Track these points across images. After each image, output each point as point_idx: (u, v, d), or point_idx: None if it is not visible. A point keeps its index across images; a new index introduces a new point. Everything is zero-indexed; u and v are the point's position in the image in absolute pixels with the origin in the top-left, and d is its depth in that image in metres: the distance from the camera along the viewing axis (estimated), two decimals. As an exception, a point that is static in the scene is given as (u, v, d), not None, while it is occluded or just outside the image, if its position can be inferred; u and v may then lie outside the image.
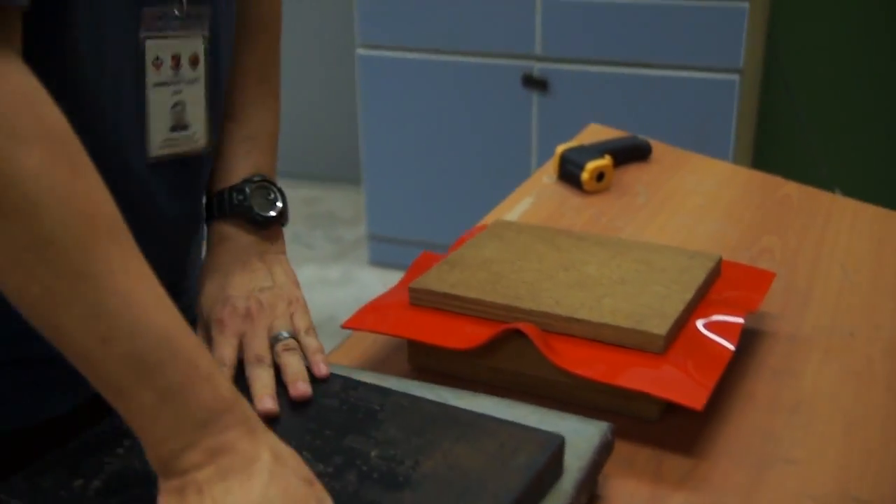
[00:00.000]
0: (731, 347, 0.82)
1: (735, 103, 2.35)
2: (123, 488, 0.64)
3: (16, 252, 0.55)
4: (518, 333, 0.83)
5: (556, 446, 0.67)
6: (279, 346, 0.80)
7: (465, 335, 0.85)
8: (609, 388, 0.81)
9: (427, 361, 0.89)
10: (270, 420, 0.72)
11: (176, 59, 0.77)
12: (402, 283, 0.96)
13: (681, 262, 0.93)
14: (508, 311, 0.85)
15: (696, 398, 0.76)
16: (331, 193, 3.48)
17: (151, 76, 0.75)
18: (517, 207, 1.28)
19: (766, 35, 2.66)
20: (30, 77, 0.58)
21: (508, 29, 2.49)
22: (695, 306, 0.88)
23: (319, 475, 0.63)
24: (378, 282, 2.85)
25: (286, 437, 0.64)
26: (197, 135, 0.81)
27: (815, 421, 0.82)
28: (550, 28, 2.45)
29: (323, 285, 2.87)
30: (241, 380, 0.76)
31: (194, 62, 0.79)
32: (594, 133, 1.56)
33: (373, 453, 0.67)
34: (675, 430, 0.81)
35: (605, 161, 1.34)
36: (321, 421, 0.71)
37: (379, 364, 0.92)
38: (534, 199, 1.31)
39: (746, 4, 2.28)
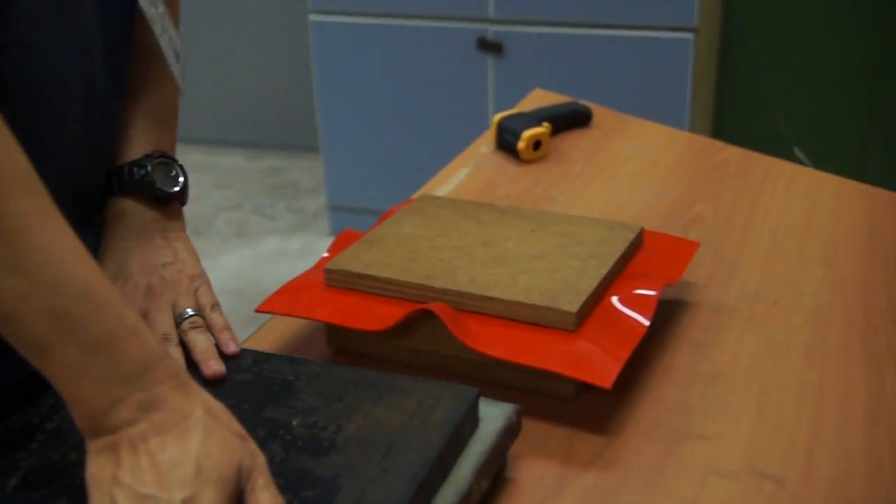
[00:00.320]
0: (646, 322, 0.81)
1: (690, 63, 2.33)
2: (43, 483, 0.63)
3: None
4: (433, 313, 0.82)
5: (471, 399, 0.69)
6: (185, 324, 0.78)
7: (379, 316, 0.84)
8: (523, 367, 0.80)
9: (346, 343, 0.89)
10: None
11: None
12: (321, 262, 0.94)
13: (601, 235, 0.92)
14: (423, 291, 0.84)
15: (605, 376, 0.75)
16: (293, 163, 3.45)
17: None
18: (452, 179, 1.27)
19: (724, -8, 2.64)
20: None
21: (461, -8, 2.46)
22: (612, 280, 0.87)
23: None
24: (339, 251, 2.83)
25: None
26: None
27: (730, 394, 0.82)
28: (503, -10, 2.42)
29: (284, 257, 2.85)
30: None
31: None
32: (538, 99, 1.54)
33: (294, 422, 0.67)
34: (590, 408, 0.80)
35: (543, 129, 1.32)
36: (238, 396, 0.71)
37: (298, 347, 0.90)
38: (470, 169, 1.30)
39: (699, -38, 2.25)
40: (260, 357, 0.76)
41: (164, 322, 0.78)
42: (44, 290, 0.55)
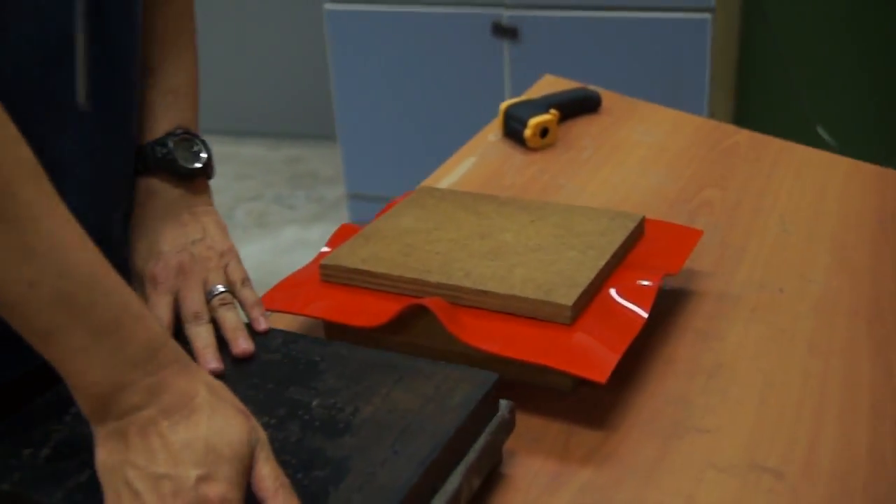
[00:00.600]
0: (644, 314, 0.79)
1: (707, 44, 2.30)
2: (73, 454, 0.65)
3: None
4: (428, 308, 0.81)
5: (490, 385, 0.69)
6: (215, 301, 0.79)
7: (374, 312, 0.83)
8: (519, 361, 0.79)
9: (343, 338, 0.88)
10: (221, 379, 0.69)
11: None
12: (318, 257, 0.94)
13: (601, 225, 0.90)
14: (418, 286, 0.84)
15: (600, 371, 0.74)
16: (312, 152, 3.45)
17: None
18: (458, 168, 1.26)
19: (743, -30, 2.60)
20: None
21: (475, -23, 2.44)
22: (611, 271, 0.85)
23: (264, 426, 0.65)
24: (359, 240, 2.83)
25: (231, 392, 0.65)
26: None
27: (732, 385, 0.80)
28: (518, -26, 2.40)
29: (304, 247, 2.85)
30: (179, 339, 0.76)
31: None
32: (549, 85, 1.53)
33: (314, 403, 0.69)
34: (589, 402, 0.79)
35: (550, 116, 1.31)
36: (263, 375, 0.73)
37: (296, 343, 0.90)
38: (477, 158, 1.29)
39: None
40: (289, 338, 0.77)
41: (196, 299, 0.78)
42: (52, 276, 0.55)
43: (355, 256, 0.87)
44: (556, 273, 0.82)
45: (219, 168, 3.32)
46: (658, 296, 0.81)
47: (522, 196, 1.15)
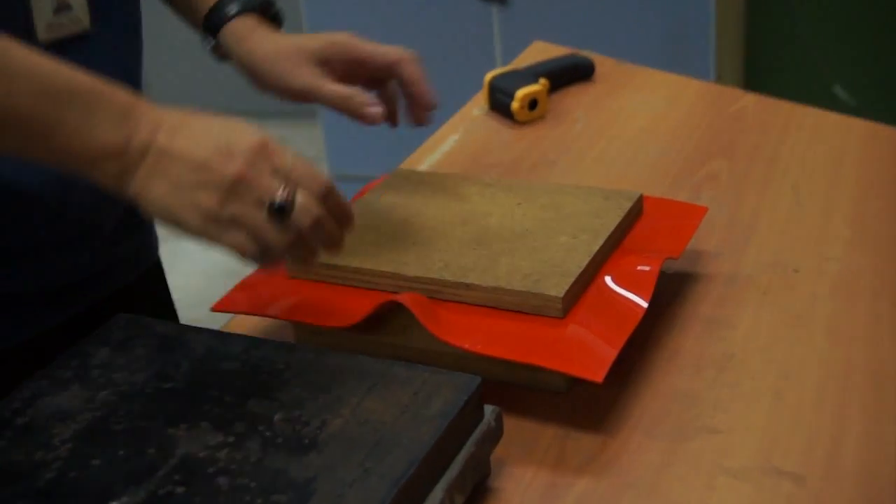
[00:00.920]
0: (643, 304, 0.76)
1: (712, 2, 2.25)
2: (4, 485, 0.62)
3: None
4: (403, 305, 0.78)
5: (472, 389, 0.67)
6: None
7: (346, 311, 0.80)
8: (506, 361, 0.76)
9: (316, 339, 0.85)
10: (173, 392, 0.69)
11: None
12: (285, 252, 0.90)
13: (594, 205, 0.87)
14: (393, 280, 0.81)
15: (597, 368, 0.71)
16: (294, 132, 3.41)
17: None
18: (441, 147, 1.23)
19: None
20: None
21: (459, -62, 2.40)
22: (606, 257, 0.82)
23: (219, 446, 0.63)
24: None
25: (183, 407, 0.67)
26: (80, 14, 0.82)
27: (744, 379, 0.77)
28: (504, -66, 2.35)
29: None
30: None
31: None
32: (539, 52, 1.49)
33: (277, 417, 0.66)
34: (586, 402, 0.76)
35: (539, 87, 1.27)
36: (220, 386, 0.70)
37: (263, 346, 0.86)
38: (460, 135, 1.25)
39: None
40: (251, 343, 0.74)
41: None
42: (31, 84, 0.66)
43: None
44: (545, 261, 0.79)
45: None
46: (659, 282, 0.79)
47: (510, 175, 1.12)
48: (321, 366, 0.71)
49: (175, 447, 0.63)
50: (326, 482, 0.60)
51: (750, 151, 1.13)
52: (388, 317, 0.80)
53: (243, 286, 0.85)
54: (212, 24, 0.93)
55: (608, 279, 0.79)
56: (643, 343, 0.82)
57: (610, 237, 0.82)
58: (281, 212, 0.67)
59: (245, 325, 0.89)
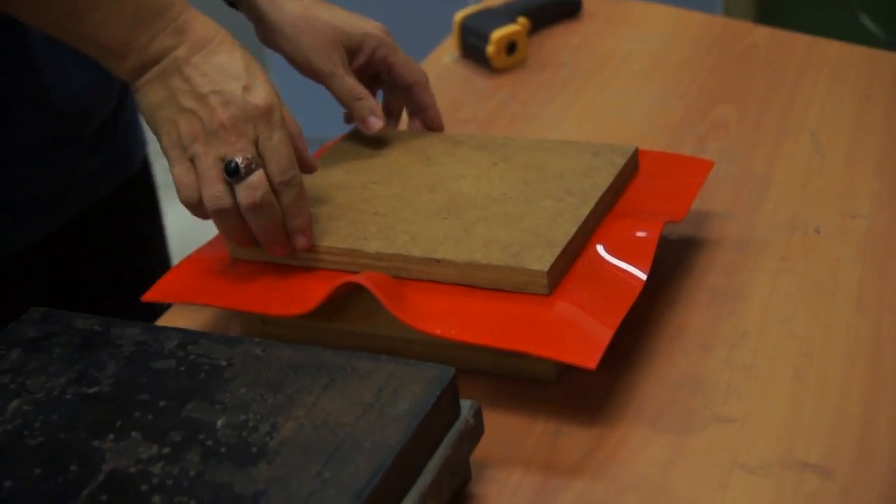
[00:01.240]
0: (642, 276, 0.77)
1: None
2: None
3: None
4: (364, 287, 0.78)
5: (446, 382, 0.67)
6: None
7: (299, 295, 0.80)
8: (485, 347, 0.76)
9: (265, 329, 0.85)
10: (97, 398, 0.69)
11: None
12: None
13: (583, 163, 0.87)
14: (352, 258, 0.81)
15: (589, 353, 0.71)
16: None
17: None
18: (405, 101, 1.22)
19: None
20: None
21: None
22: (598, 222, 0.83)
23: (154, 458, 0.63)
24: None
25: (110, 414, 0.67)
26: None
27: (760, 359, 0.78)
28: None
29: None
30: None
31: None
32: (516, -15, 1.49)
33: (219, 423, 0.66)
34: (579, 392, 0.77)
35: (517, 27, 1.29)
36: (153, 389, 0.70)
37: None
38: (428, 86, 1.25)
39: None
40: (188, 338, 0.74)
41: None
42: None
43: (270, 225, 0.84)
44: (527, 230, 0.79)
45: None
46: (659, 250, 0.80)
47: (486, 131, 1.13)
48: (270, 361, 0.71)
49: (101, 462, 0.63)
50: (278, 496, 0.60)
51: (762, 94, 1.14)
52: (347, 301, 0.80)
53: (179, 271, 0.85)
54: None
55: (600, 248, 0.79)
56: (643, 321, 0.82)
57: (601, 199, 0.83)
58: (230, 175, 0.75)
59: (183, 316, 0.89)
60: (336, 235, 0.82)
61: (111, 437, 0.65)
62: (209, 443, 0.64)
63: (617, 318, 0.73)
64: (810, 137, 1.05)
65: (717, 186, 0.98)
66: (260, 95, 0.76)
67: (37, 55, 0.92)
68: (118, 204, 1.07)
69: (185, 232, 1.76)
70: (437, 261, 0.78)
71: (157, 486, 0.61)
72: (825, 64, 1.19)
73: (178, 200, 0.80)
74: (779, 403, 0.73)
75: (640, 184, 0.88)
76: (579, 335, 0.72)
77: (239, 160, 0.75)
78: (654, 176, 0.89)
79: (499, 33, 1.26)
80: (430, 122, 1.00)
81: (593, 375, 0.77)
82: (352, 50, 0.97)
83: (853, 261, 0.87)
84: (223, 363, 0.71)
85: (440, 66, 1.30)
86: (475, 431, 0.69)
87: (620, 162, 0.87)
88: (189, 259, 0.87)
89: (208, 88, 0.76)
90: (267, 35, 0.99)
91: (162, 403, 0.68)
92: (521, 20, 1.29)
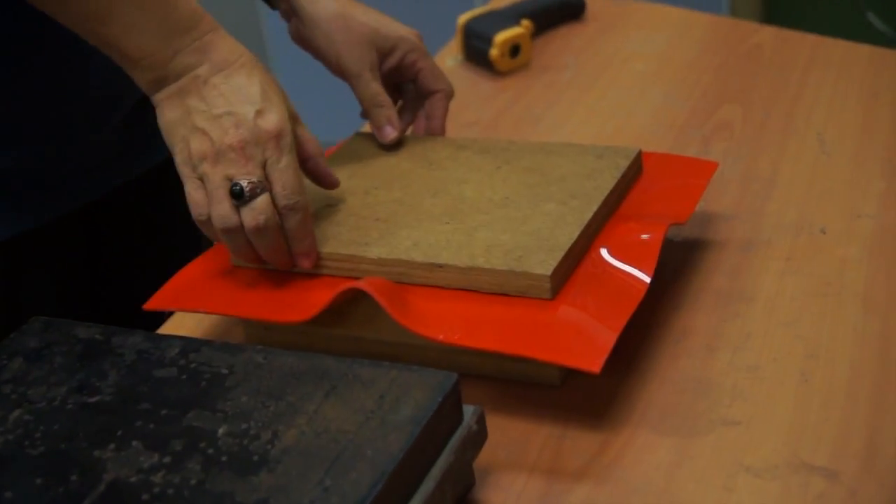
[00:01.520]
0: (646, 278, 0.77)
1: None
2: None
3: None
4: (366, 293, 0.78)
5: (448, 388, 0.67)
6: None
7: (300, 302, 0.81)
8: (488, 352, 0.76)
9: (268, 336, 0.85)
10: (98, 407, 0.69)
11: None
12: (228, 236, 0.90)
13: (586, 166, 0.87)
14: (354, 264, 0.81)
15: (594, 357, 0.71)
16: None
17: None
18: (408, 105, 1.22)
19: None
20: None
21: None
22: (601, 225, 0.83)
23: (155, 467, 0.63)
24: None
25: (111, 424, 0.67)
26: None
27: (765, 361, 0.77)
28: None
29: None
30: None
31: None
32: (520, -12, 1.49)
33: (221, 431, 0.66)
34: (583, 396, 0.77)
35: (521, 30, 1.29)
36: (154, 398, 0.70)
37: (207, 348, 0.87)
38: (431, 90, 1.25)
39: None
40: (189, 346, 0.75)
41: None
42: None
43: (272, 231, 0.84)
44: (530, 234, 0.79)
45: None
46: (663, 252, 0.79)
47: (489, 134, 1.13)
48: (271, 368, 0.71)
49: (102, 472, 0.63)
50: None
51: (768, 94, 1.14)
52: (349, 307, 0.80)
53: (180, 279, 0.85)
54: None
55: (604, 252, 0.79)
56: (647, 324, 0.82)
57: (605, 202, 0.83)
58: (235, 197, 0.76)
59: (185, 324, 0.89)
60: (338, 241, 0.82)
61: (112, 446, 0.65)
62: (210, 451, 0.65)
63: (621, 322, 0.73)
64: (816, 137, 1.05)
65: (723, 187, 0.98)
66: (271, 120, 0.77)
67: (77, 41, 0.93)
68: (157, 181, 1.08)
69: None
70: (440, 266, 0.78)
71: (158, 495, 0.61)
72: (831, 63, 1.19)
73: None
74: (785, 405, 0.73)
75: (643, 186, 0.88)
76: (583, 339, 0.72)
77: (244, 183, 0.76)
78: (658, 178, 0.89)
79: (502, 36, 1.26)
80: (432, 131, 1.01)
81: (597, 379, 0.77)
82: (384, 52, 0.99)
83: (860, 261, 0.86)
84: (225, 371, 0.71)
85: (444, 69, 1.30)
86: (478, 437, 0.69)
87: (624, 164, 0.87)
88: (190, 266, 0.87)
89: (223, 110, 0.77)
90: (301, 30, 1.00)
91: (163, 412, 0.68)
92: (525, 22, 1.30)
